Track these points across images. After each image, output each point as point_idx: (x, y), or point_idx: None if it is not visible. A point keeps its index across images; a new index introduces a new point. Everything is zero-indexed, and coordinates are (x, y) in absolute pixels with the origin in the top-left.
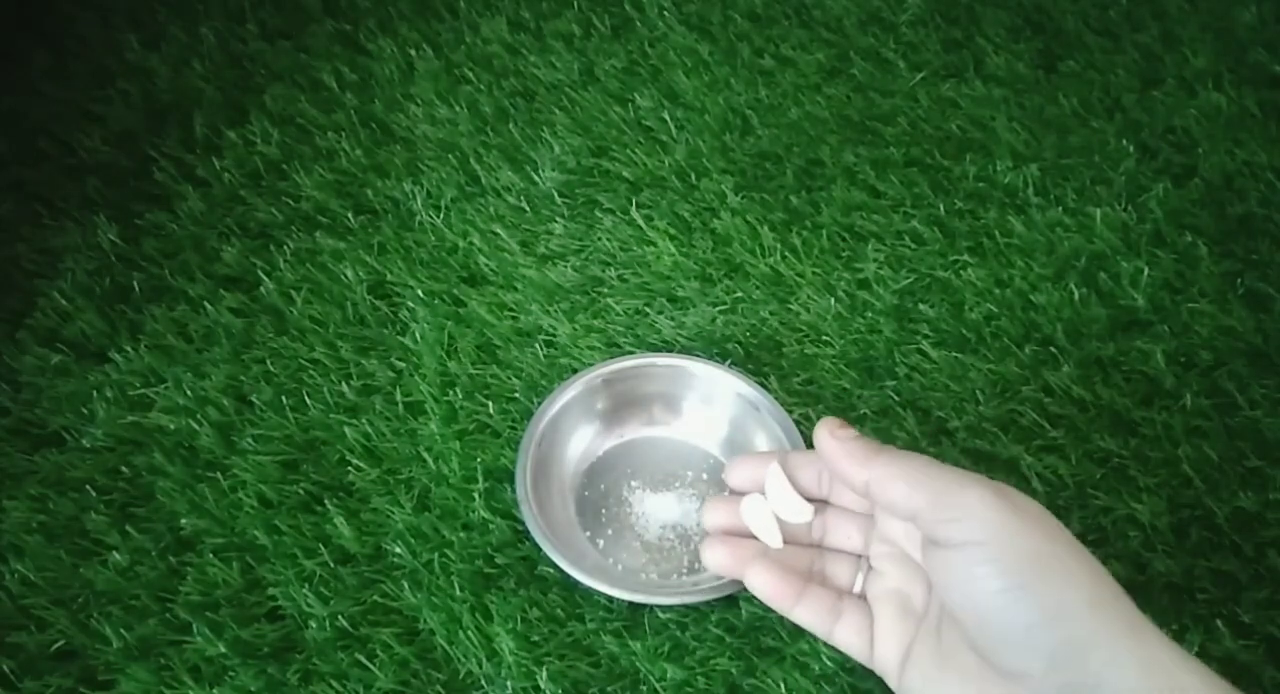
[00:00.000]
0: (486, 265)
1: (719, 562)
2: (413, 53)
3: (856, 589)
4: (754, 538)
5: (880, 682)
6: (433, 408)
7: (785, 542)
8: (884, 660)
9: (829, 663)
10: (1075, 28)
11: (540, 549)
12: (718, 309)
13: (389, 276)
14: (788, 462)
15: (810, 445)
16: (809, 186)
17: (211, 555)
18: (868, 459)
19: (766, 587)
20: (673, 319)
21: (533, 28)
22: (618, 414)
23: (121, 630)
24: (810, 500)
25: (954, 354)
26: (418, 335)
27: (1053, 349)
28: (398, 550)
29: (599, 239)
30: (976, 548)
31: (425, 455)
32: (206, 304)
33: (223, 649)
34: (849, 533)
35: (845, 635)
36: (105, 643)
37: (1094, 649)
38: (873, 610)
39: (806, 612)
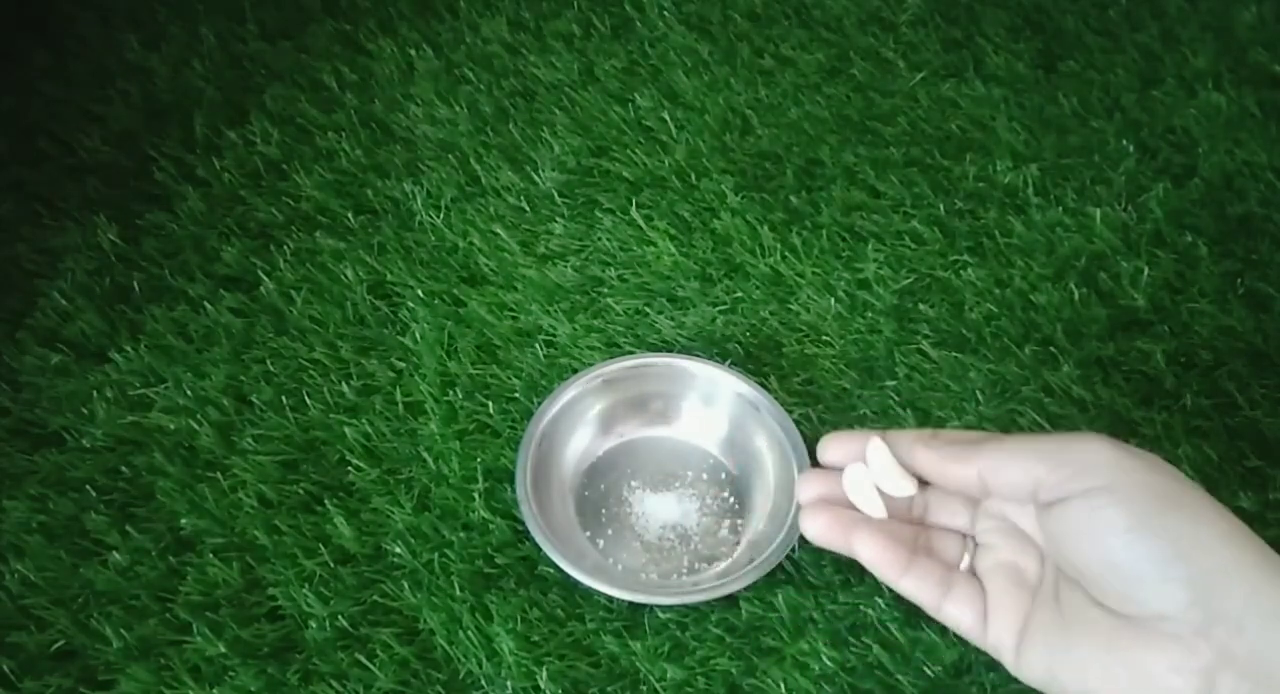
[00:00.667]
0: (486, 265)
1: (820, 530)
2: (413, 53)
3: (964, 566)
4: (853, 510)
5: (880, 681)
6: (433, 408)
7: (888, 517)
8: (999, 637)
9: (829, 663)
10: (1075, 27)
11: (540, 549)
12: (718, 309)
13: (389, 276)
14: (887, 438)
15: (811, 450)
16: (809, 186)
17: (211, 555)
18: (971, 454)
19: (875, 553)
20: (673, 319)
21: (533, 28)
22: (618, 414)
23: (121, 630)
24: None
25: (954, 354)
26: (418, 335)
27: (1053, 349)
28: (398, 550)
29: (599, 239)
30: (1101, 492)
31: (425, 455)
32: (206, 304)
33: (223, 649)
34: (954, 510)
35: (956, 610)
36: (105, 643)
37: (1234, 580)
38: (985, 585)
39: (915, 582)
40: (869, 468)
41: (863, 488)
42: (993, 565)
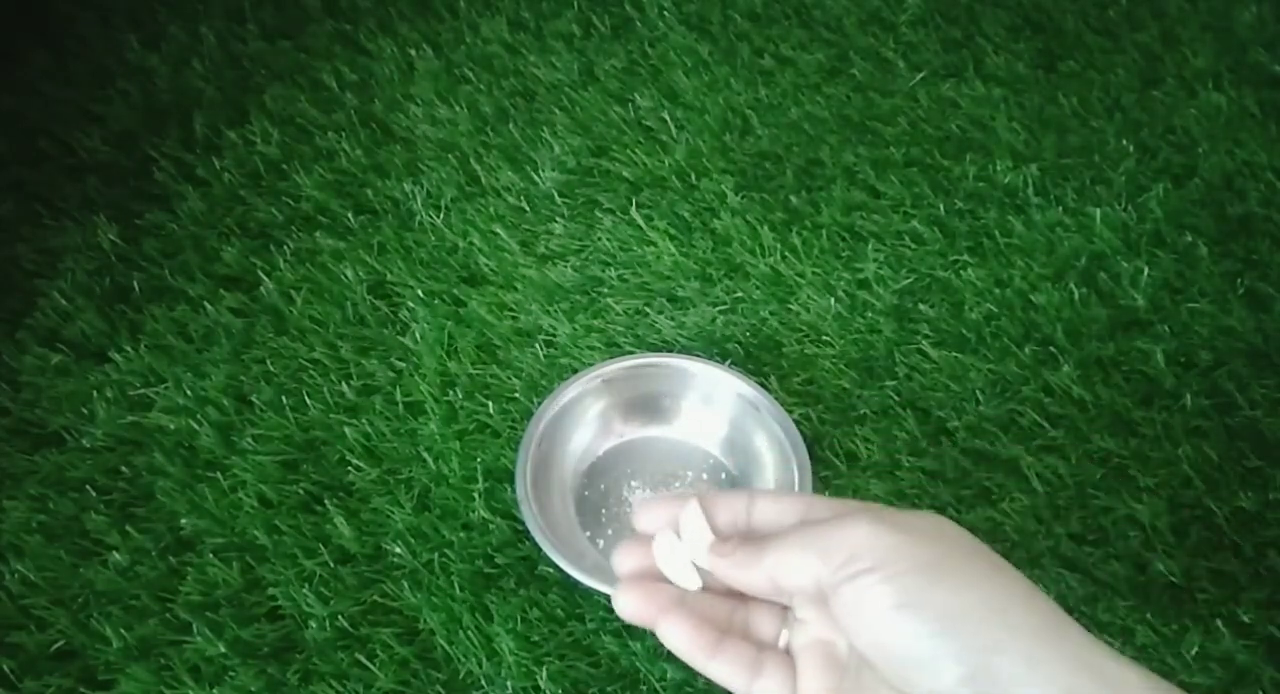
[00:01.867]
0: (486, 265)
1: (630, 610)
2: (413, 53)
3: (782, 643)
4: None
5: None
6: (433, 408)
7: (706, 588)
8: None
9: None
10: (1075, 27)
11: (540, 549)
12: (718, 309)
13: (389, 276)
14: (705, 502)
15: (811, 450)
16: (809, 186)
17: (211, 555)
18: (756, 560)
19: (681, 640)
20: (673, 319)
21: (533, 28)
22: (617, 414)
23: (121, 630)
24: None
25: (954, 354)
26: (418, 335)
27: (1053, 349)
28: (398, 550)
29: (599, 239)
30: (867, 574)
31: (425, 455)
32: (206, 304)
33: (223, 649)
34: None
35: (765, 692)
36: (105, 643)
37: (1007, 651)
38: (796, 664)
39: (722, 667)
40: (682, 537)
41: (673, 560)
42: (807, 642)
